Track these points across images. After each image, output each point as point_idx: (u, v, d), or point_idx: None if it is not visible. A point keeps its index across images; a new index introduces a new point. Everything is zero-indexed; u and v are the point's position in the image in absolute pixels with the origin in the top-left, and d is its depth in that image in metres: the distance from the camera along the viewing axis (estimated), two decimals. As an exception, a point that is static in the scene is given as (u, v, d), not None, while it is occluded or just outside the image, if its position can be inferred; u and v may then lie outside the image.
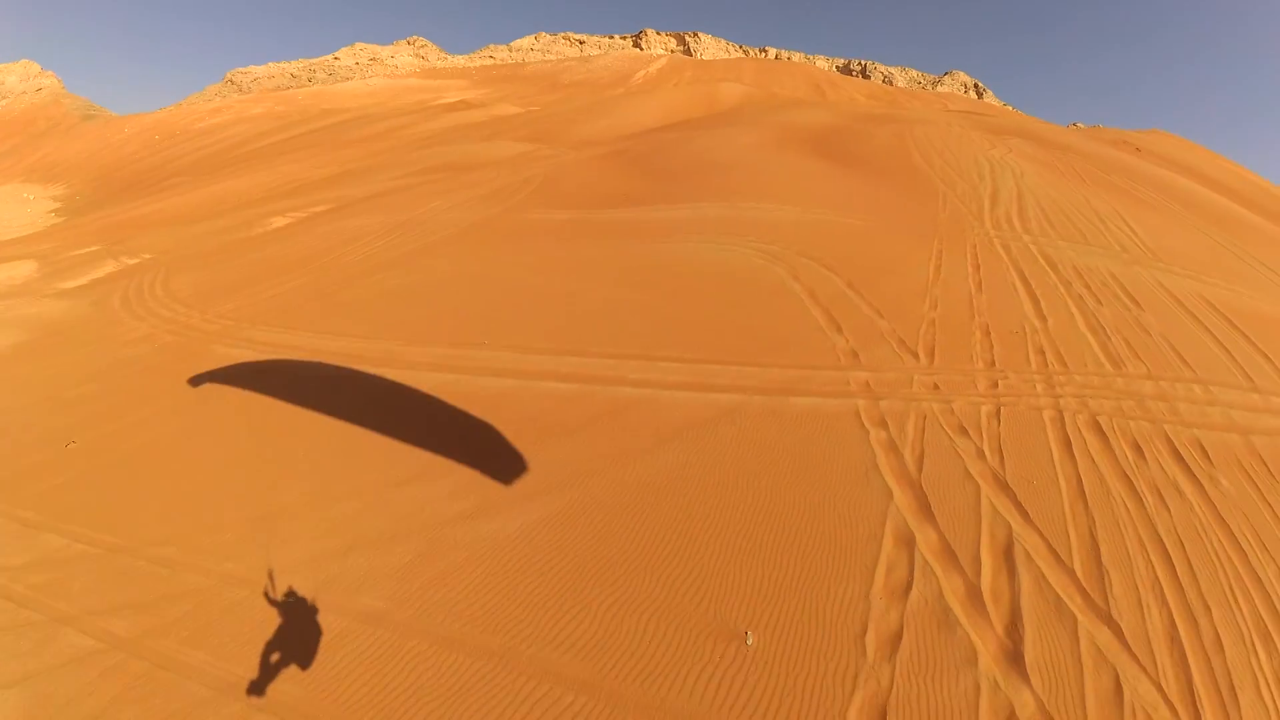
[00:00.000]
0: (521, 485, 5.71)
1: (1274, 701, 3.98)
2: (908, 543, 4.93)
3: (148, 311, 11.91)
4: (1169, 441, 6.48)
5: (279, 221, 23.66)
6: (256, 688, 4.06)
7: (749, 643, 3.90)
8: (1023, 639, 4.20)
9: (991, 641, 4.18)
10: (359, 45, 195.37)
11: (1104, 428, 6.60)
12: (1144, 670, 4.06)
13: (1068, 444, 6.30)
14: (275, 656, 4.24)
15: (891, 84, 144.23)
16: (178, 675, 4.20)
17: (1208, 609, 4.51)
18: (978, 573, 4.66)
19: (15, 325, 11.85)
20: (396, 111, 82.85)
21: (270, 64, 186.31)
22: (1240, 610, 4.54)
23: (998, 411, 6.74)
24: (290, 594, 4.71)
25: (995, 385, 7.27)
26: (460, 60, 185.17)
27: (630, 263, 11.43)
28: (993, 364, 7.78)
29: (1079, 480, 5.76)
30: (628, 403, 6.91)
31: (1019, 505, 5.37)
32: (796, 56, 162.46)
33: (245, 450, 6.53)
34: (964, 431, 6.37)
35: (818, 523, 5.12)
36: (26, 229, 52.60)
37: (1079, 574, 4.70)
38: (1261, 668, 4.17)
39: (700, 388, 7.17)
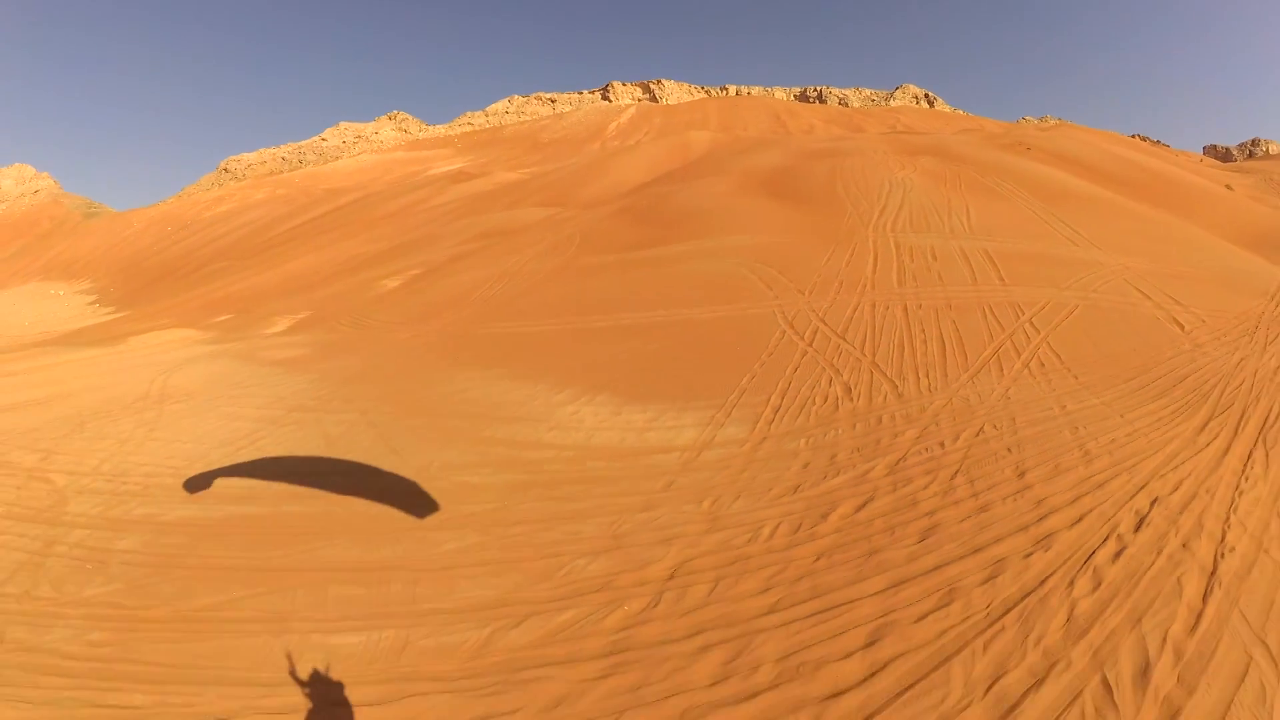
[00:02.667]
0: (647, 342, 14.52)
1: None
2: (789, 337, 13.74)
3: (383, 329, 20.77)
4: (905, 306, 15.36)
5: (391, 283, 32.73)
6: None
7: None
8: (823, 352, 12.99)
9: (824, 346, 12.97)
10: (343, 124, 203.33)
11: (884, 306, 15.50)
12: (880, 369, 12.79)
13: (873, 316, 15.16)
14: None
15: (847, 105, 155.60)
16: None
17: (918, 343, 13.31)
18: (812, 342, 13.46)
19: (299, 347, 20.64)
20: (408, 188, 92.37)
21: (261, 150, 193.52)
22: (931, 339, 13.34)
23: (838, 311, 15.64)
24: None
25: (853, 303, 16.18)
26: (440, 129, 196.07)
27: (660, 277, 20.43)
28: (851, 292, 16.70)
29: (875, 324, 14.58)
30: (676, 321, 15.76)
31: (843, 335, 14.18)
32: (756, 90, 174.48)
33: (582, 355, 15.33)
34: (828, 322, 15.22)
35: (751, 343, 13.92)
36: (77, 320, 60.10)
37: (867, 350, 13.48)
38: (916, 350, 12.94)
39: (702, 313, 16.04)
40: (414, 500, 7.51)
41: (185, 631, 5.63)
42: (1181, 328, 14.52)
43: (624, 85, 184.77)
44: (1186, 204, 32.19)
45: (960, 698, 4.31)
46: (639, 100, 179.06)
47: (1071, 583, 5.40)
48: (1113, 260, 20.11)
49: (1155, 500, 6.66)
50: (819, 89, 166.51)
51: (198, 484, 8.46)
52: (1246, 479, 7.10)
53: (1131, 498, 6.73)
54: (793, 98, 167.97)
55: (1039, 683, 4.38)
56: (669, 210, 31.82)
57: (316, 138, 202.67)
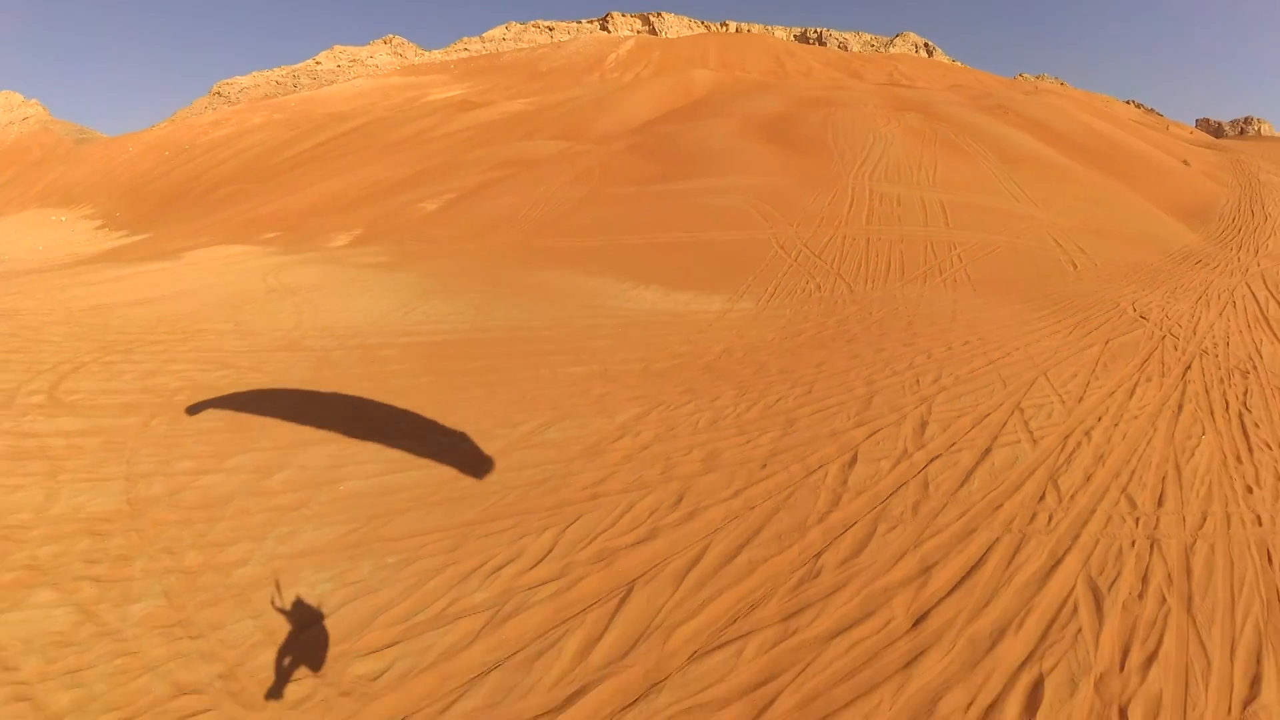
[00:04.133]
0: (677, 253, 19.41)
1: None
2: (779, 255, 18.67)
3: (447, 242, 25.39)
4: (868, 238, 20.30)
5: (430, 206, 36.91)
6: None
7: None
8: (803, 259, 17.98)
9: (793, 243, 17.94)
10: (337, 48, 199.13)
11: (852, 238, 20.42)
12: (841, 277, 17.77)
13: (843, 244, 20.07)
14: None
15: (846, 49, 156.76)
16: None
17: (871, 263, 18.29)
18: (796, 259, 18.41)
19: (381, 255, 25.20)
20: (414, 115, 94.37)
21: (254, 73, 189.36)
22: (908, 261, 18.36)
23: (817, 239, 20.54)
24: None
25: (830, 235, 21.07)
26: (437, 55, 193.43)
27: (678, 208, 25.12)
28: (830, 226, 21.59)
29: (844, 249, 19.51)
30: (695, 241, 20.59)
31: (819, 256, 19.10)
32: (756, 28, 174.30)
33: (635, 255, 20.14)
34: (809, 246, 20.12)
35: (752, 258, 18.82)
36: (91, 245, 61.62)
37: (835, 266, 18.43)
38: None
39: (715, 236, 20.89)
40: (569, 327, 12.54)
41: (476, 380, 10.57)
42: (1074, 267, 19.66)
43: (623, 16, 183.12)
44: (1137, 174, 37.00)
45: (882, 367, 9.46)
46: (638, 32, 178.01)
47: (924, 356, 10.55)
48: (1045, 216, 25.14)
49: (981, 338, 11.84)
50: (819, 30, 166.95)
51: (394, 331, 13.33)
52: (1054, 341, 12.26)
53: (966, 339, 11.90)
54: (792, 38, 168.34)
55: (893, 376, 9.54)
56: (678, 149, 36.17)
57: (310, 61, 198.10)
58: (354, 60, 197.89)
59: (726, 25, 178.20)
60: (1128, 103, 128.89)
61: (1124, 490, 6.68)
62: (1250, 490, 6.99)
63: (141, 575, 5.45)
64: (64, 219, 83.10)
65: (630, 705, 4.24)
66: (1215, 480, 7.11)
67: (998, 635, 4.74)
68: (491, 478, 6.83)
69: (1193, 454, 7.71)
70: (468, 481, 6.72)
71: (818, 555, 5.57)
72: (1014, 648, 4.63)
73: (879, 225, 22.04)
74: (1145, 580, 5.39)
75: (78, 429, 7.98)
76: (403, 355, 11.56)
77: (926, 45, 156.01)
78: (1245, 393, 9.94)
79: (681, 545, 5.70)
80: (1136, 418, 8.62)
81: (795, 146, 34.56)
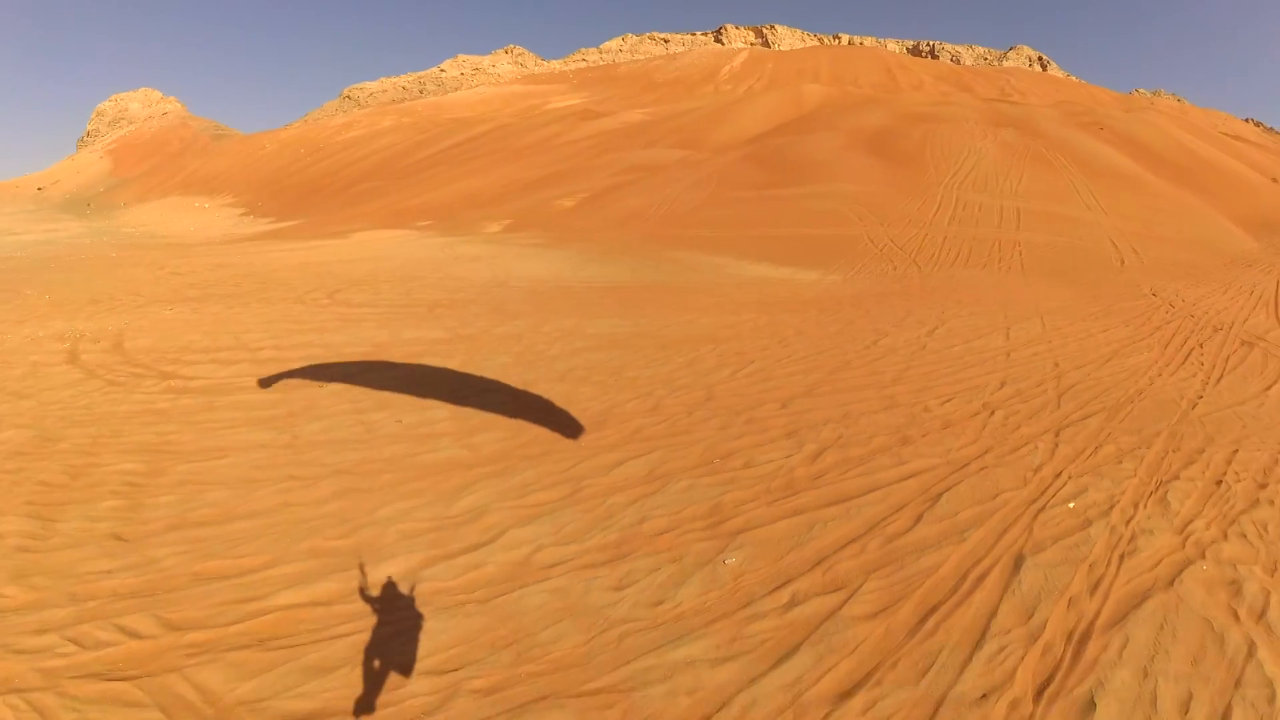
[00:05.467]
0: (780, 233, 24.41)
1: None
2: (868, 245, 23.32)
3: (589, 231, 31.18)
4: (945, 235, 24.62)
5: (566, 203, 43.20)
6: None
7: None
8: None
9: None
10: (461, 57, 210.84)
11: (932, 236, 24.80)
12: (915, 263, 22.29)
13: (922, 240, 24.50)
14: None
15: (959, 62, 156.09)
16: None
17: (943, 253, 22.75)
18: (881, 249, 23.01)
19: (535, 239, 31.23)
20: (538, 123, 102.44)
21: (382, 79, 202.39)
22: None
23: (901, 236, 25.02)
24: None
25: (913, 233, 25.53)
26: (556, 65, 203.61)
27: (786, 209, 30.04)
28: (914, 226, 26.02)
29: (922, 244, 23.96)
30: (799, 235, 25.47)
31: (901, 248, 23.62)
32: (869, 41, 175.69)
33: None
34: (894, 241, 24.63)
35: (846, 247, 23.53)
36: (242, 228, 65.94)
37: (912, 255, 22.94)
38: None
39: (815, 231, 25.69)
40: (700, 282, 17.85)
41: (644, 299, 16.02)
42: (1122, 263, 23.42)
43: (737, 29, 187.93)
44: (1217, 189, 39.07)
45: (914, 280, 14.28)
46: (751, 44, 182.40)
47: (956, 304, 15.18)
48: (1111, 222, 28.65)
49: (1008, 298, 16.31)
50: (931, 44, 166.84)
51: (574, 280, 18.97)
52: (1064, 302, 16.58)
53: (996, 298, 16.37)
54: (905, 51, 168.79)
55: (928, 309, 14.29)
56: (787, 159, 41.02)
57: (436, 69, 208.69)
58: (477, 69, 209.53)
59: (839, 38, 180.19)
60: (1246, 120, 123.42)
61: (1055, 361, 11.24)
62: (1160, 376, 11.40)
63: (488, 353, 11.02)
64: (206, 206, 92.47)
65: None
66: (1130, 368, 11.54)
67: (949, 408, 9.62)
68: (674, 333, 12.08)
69: (1128, 358, 12.10)
70: (666, 333, 12.02)
71: (847, 362, 10.52)
72: (967, 439, 9.49)
73: (958, 226, 26.33)
74: (1041, 386, 10.06)
75: (381, 310, 13.83)
76: (587, 291, 17.17)
77: (1040, 59, 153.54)
78: (1208, 340, 14.02)
79: (785, 367, 10.77)
80: (1098, 340, 13.04)
81: (895, 158, 38.77)
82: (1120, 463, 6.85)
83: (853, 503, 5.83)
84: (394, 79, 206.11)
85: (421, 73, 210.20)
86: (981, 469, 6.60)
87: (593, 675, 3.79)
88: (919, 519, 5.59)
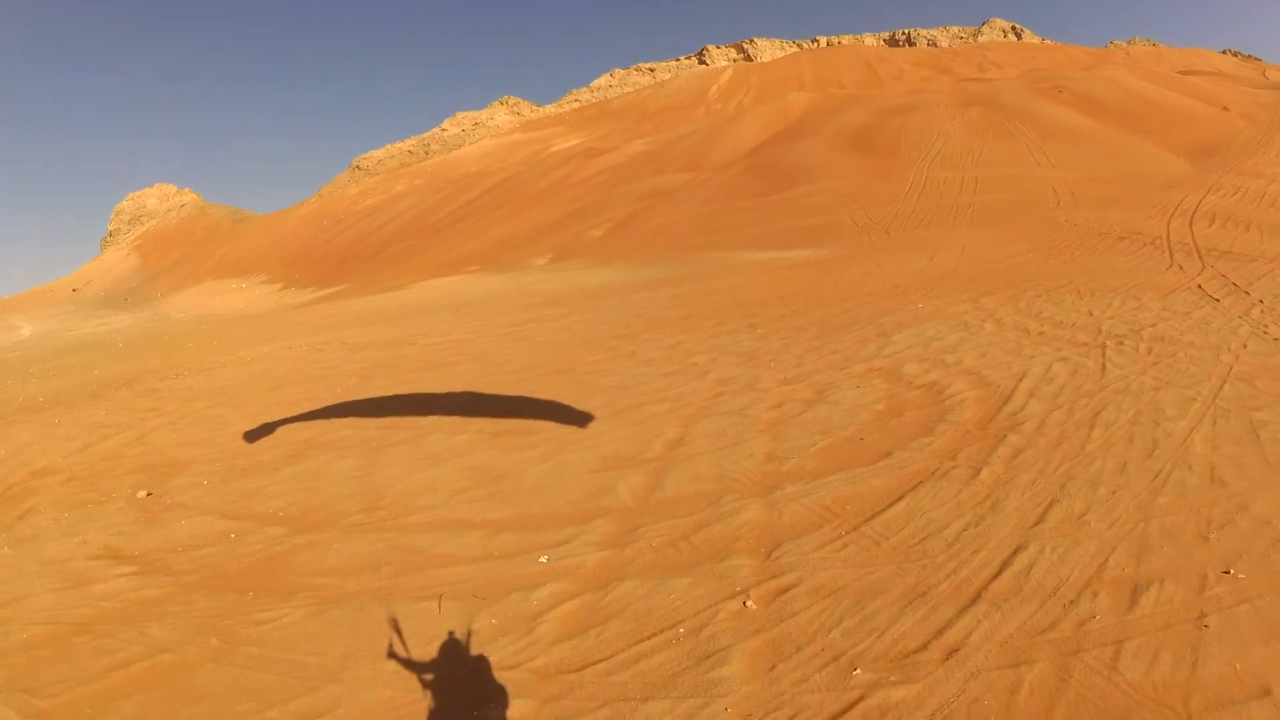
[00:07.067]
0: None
1: None
2: (849, 225, 29.24)
3: (624, 250, 37.46)
4: (914, 208, 30.44)
5: (596, 232, 49.31)
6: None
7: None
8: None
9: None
10: (459, 114, 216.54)
11: (902, 210, 30.64)
12: (886, 231, 28.14)
13: (894, 215, 30.33)
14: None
15: (936, 45, 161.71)
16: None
17: (909, 221, 28.59)
18: (862, 227, 28.91)
19: (582, 262, 37.54)
20: (547, 167, 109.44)
21: (388, 145, 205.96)
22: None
23: (877, 215, 30.89)
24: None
25: (887, 210, 31.39)
26: (550, 109, 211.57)
27: (783, 210, 36.09)
28: (889, 205, 31.89)
29: (893, 218, 29.79)
30: (794, 226, 31.45)
31: (876, 223, 29.48)
32: (847, 39, 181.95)
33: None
34: (870, 218, 30.51)
35: (833, 229, 29.45)
36: (287, 300, 67.40)
37: (885, 226, 28.79)
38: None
39: (808, 221, 31.65)
40: (724, 267, 23.99)
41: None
42: (1058, 204, 29.00)
43: (718, 48, 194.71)
44: (1162, 127, 44.22)
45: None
46: (734, 61, 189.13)
47: (914, 251, 21.05)
48: (1056, 174, 34.26)
49: (949, 243, 22.13)
50: (907, 32, 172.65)
51: (631, 282, 25.23)
52: (989, 238, 22.33)
53: (943, 242, 22.18)
54: (882, 43, 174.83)
55: (887, 255, 20.21)
56: (782, 167, 47.24)
57: (437, 129, 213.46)
58: (476, 123, 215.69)
59: (817, 41, 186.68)
60: (1224, 53, 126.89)
61: (956, 266, 17.02)
62: (1031, 263, 17.18)
63: (730, 331, 17.19)
64: (243, 286, 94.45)
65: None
66: (1011, 262, 17.31)
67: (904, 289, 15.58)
68: (714, 286, 18.10)
69: (1013, 259, 17.84)
70: (708, 290, 18.04)
71: (843, 300, 16.46)
72: (882, 301, 15.44)
73: (924, 199, 32.21)
74: (940, 277, 15.92)
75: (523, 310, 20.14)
76: (645, 285, 23.27)
77: (1014, 28, 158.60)
78: (1093, 241, 19.67)
79: (780, 290, 16.74)
80: (997, 253, 18.80)
81: (874, 151, 44.78)
82: (968, 292, 12.82)
83: (822, 325, 11.85)
84: (398, 144, 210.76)
85: (424, 135, 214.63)
86: (888, 307, 12.64)
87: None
88: (853, 318, 11.64)
